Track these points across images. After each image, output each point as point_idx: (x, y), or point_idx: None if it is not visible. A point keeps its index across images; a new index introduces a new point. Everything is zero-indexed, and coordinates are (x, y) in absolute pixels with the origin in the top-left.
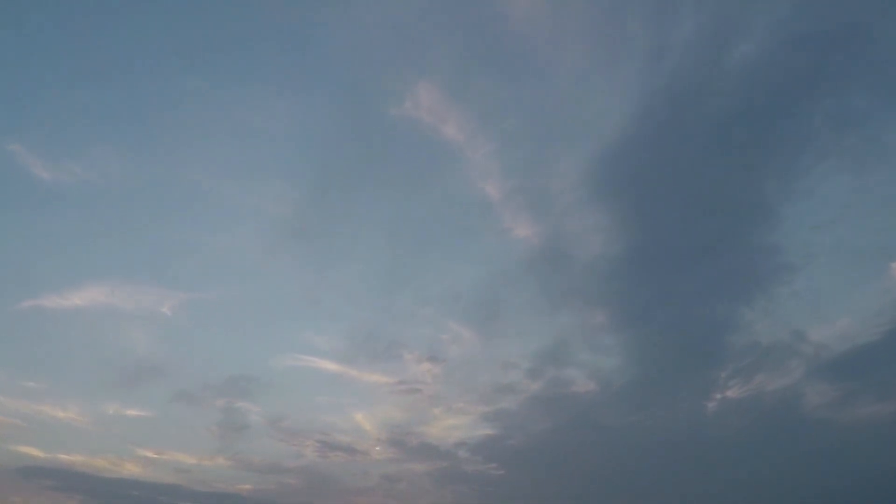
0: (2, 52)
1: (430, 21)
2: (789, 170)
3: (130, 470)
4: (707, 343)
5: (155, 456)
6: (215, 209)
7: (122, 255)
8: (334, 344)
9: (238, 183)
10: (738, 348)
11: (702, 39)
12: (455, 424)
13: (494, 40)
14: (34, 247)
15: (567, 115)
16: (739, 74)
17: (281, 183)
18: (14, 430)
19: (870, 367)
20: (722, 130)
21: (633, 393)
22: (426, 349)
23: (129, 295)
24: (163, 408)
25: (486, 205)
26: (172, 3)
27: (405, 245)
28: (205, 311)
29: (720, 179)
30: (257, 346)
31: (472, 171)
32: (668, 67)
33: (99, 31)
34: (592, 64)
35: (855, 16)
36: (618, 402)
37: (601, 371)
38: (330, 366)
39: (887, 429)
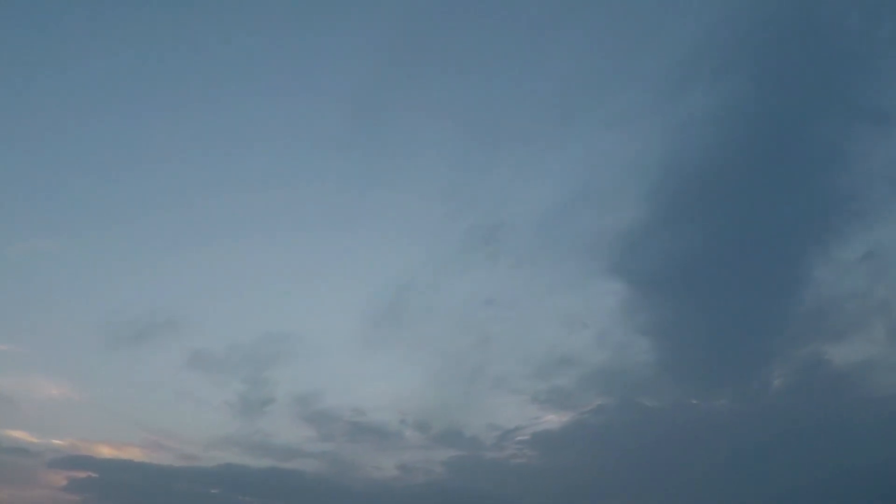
0: None
1: None
2: None
3: (134, 455)
4: (777, 301)
5: (163, 438)
6: (251, 97)
7: (126, 170)
8: (370, 299)
9: (283, 59)
10: (815, 306)
11: None
12: (501, 405)
13: None
14: (19, 163)
15: None
16: None
17: (338, 60)
18: None
19: None
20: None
21: (692, 363)
22: (479, 304)
23: (138, 233)
24: (174, 375)
25: (587, 85)
26: None
27: (476, 149)
28: (230, 253)
29: (837, 70)
30: (289, 301)
31: (573, 37)
32: None
33: None
34: None
35: None
36: (675, 375)
37: (669, 329)
38: (360, 327)
39: None
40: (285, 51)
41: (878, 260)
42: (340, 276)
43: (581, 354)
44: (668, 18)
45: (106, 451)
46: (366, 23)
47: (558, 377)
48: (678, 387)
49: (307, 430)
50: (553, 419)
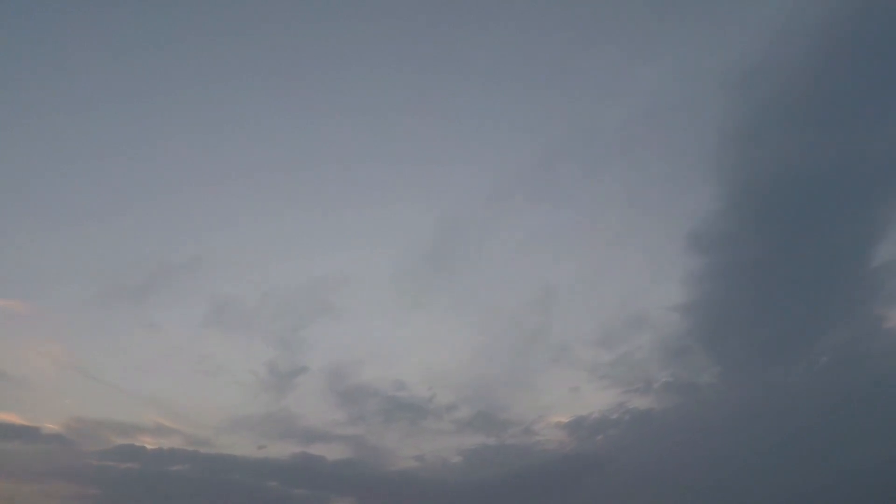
0: None
1: None
2: None
3: (143, 441)
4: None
5: (175, 421)
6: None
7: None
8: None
9: None
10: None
11: None
12: (551, 382)
13: None
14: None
15: None
16: None
17: None
18: None
19: None
20: None
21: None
22: (545, 241)
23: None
24: (191, 337)
25: None
26: None
27: (558, 46)
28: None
29: None
30: (330, 241)
31: None
32: None
33: None
34: None
35: None
36: (734, 341)
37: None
38: (400, 279)
39: None
40: None
41: None
42: (388, 211)
43: (656, 311)
44: None
45: (106, 436)
46: None
47: (628, 341)
48: (733, 357)
49: (338, 410)
50: (600, 400)
